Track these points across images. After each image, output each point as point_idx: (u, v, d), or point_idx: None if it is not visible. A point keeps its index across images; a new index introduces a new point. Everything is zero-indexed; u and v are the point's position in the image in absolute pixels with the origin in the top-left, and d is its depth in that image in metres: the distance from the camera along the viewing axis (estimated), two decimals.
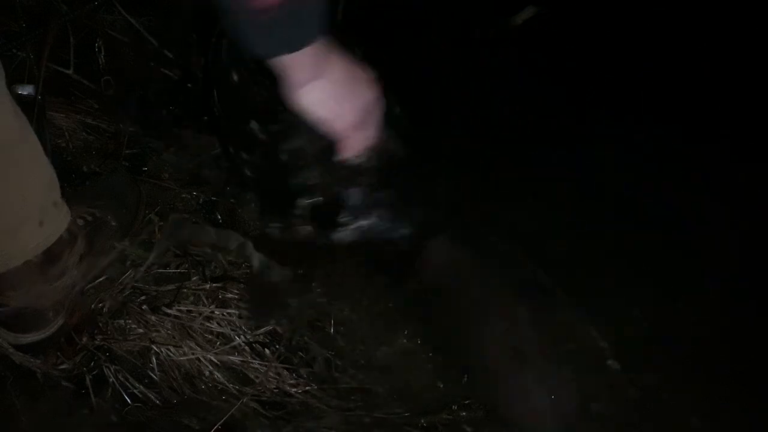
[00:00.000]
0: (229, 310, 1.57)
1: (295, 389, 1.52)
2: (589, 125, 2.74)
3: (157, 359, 1.48)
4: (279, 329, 1.57)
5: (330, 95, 0.90)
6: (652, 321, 1.98)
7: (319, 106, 0.90)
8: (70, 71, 1.97)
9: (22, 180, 1.21)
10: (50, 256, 1.33)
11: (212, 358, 1.49)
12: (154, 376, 1.46)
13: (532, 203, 2.28)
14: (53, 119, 1.73)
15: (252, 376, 1.51)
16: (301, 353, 1.60)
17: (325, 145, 1.05)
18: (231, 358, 1.51)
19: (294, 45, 0.81)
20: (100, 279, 1.51)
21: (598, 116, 2.79)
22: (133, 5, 2.17)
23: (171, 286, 1.58)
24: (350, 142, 1.04)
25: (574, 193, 2.35)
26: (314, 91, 0.88)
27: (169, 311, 1.54)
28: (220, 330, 1.54)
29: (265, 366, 1.53)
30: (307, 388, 1.53)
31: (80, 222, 1.42)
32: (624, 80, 3.01)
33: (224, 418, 1.42)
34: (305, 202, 1.18)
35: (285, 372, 1.54)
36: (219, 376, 1.48)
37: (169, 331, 1.51)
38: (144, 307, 1.53)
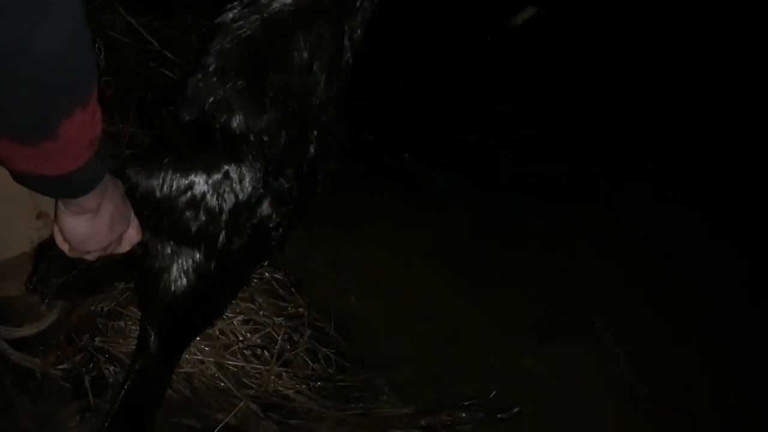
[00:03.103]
0: (228, 313, 1.57)
1: (293, 390, 1.52)
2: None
3: None
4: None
5: (82, 228, 1.01)
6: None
7: (70, 231, 1.01)
8: None
9: None
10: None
11: (212, 359, 1.49)
12: None
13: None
14: None
15: (251, 378, 1.51)
16: (301, 353, 1.60)
17: None
18: (230, 359, 1.51)
19: (65, 194, 0.91)
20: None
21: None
22: (133, 5, 2.18)
23: None
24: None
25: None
26: (73, 221, 0.99)
27: None
28: (219, 333, 1.53)
29: (265, 368, 1.53)
30: (304, 386, 1.53)
31: None
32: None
33: (225, 420, 1.41)
34: None
35: (284, 374, 1.54)
36: (219, 377, 1.48)
37: None
38: None
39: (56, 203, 0.97)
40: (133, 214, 1.11)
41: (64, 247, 1.05)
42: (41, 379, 1.42)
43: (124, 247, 1.13)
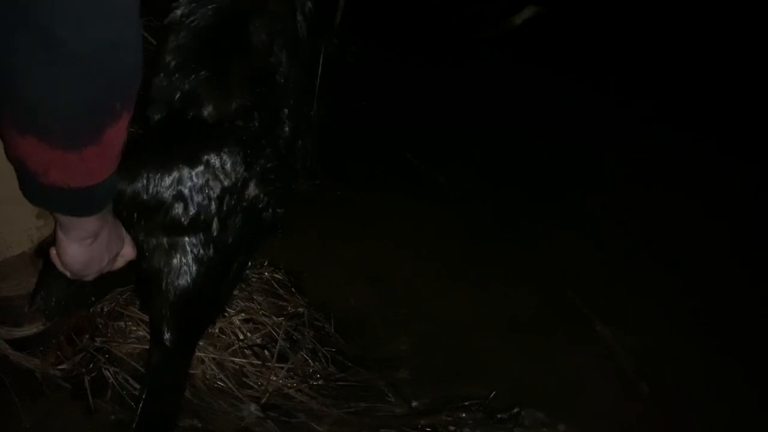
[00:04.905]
0: (229, 310, 1.57)
1: (294, 389, 1.52)
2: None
3: None
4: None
5: (83, 254, 1.00)
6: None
7: (72, 258, 1.00)
8: None
9: None
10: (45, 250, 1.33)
11: (213, 356, 1.49)
12: None
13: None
14: None
15: (251, 377, 1.51)
16: (301, 352, 1.60)
17: None
18: (231, 359, 1.51)
19: (84, 211, 0.90)
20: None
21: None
22: None
23: None
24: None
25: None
26: (75, 247, 0.98)
27: None
28: (219, 332, 1.53)
29: (265, 367, 1.53)
30: (305, 385, 1.53)
31: None
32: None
33: (226, 419, 1.41)
34: None
35: (284, 372, 1.54)
36: (219, 377, 1.48)
37: None
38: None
39: (56, 231, 0.96)
40: (125, 231, 1.10)
41: (65, 273, 1.04)
42: (41, 379, 1.41)
43: (119, 264, 1.12)
